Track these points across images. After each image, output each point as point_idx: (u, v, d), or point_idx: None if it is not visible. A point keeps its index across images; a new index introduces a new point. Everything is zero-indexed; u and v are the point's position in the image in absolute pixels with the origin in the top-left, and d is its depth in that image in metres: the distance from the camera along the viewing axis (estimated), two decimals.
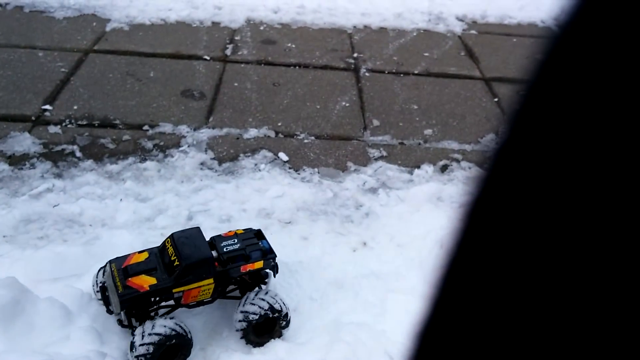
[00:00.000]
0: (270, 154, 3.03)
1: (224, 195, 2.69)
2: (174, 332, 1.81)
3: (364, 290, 2.23)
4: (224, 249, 1.96)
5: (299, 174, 2.92)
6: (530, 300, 0.26)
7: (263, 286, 2.09)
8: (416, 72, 4.03)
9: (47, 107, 3.24)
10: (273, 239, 2.12)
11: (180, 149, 3.01)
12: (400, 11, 4.86)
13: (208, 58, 3.93)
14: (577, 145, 0.24)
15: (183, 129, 3.17)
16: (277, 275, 2.09)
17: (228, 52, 4.06)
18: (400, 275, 2.31)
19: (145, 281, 1.83)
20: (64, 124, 3.12)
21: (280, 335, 2.01)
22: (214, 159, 2.97)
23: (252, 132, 3.21)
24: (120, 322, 1.89)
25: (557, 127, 0.24)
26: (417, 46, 4.40)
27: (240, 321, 1.94)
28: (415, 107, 3.62)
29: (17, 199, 2.57)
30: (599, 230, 0.24)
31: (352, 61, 4.10)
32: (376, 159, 3.09)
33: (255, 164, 2.95)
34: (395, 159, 3.11)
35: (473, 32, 4.73)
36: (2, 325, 1.79)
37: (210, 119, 3.30)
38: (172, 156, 2.94)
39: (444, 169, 3.08)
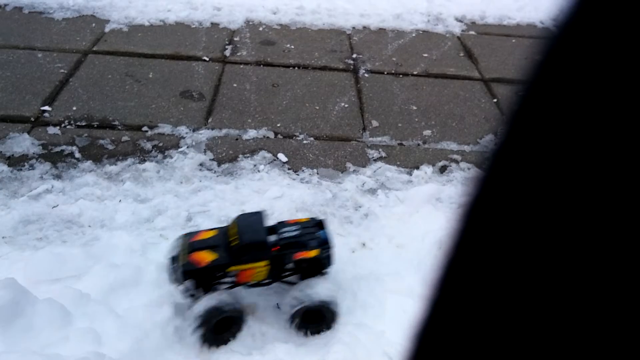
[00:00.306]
0: (269, 155, 3.03)
1: (223, 196, 2.69)
2: (236, 305, 1.94)
3: (363, 291, 2.22)
4: (282, 235, 2.05)
5: (298, 174, 2.92)
6: (528, 301, 0.26)
7: (321, 276, 2.11)
8: (415, 72, 4.03)
9: (46, 108, 3.24)
10: None
11: (180, 149, 3.01)
12: (399, 12, 4.86)
13: (207, 59, 3.93)
14: (576, 146, 0.24)
15: (182, 129, 3.17)
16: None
17: (227, 53, 4.06)
18: (399, 276, 2.31)
19: (206, 257, 1.95)
20: (63, 125, 3.12)
21: (328, 328, 2.05)
22: (213, 159, 2.97)
23: (251, 133, 3.21)
24: (185, 290, 1.95)
25: (556, 128, 0.24)
26: (416, 47, 4.40)
27: (290, 306, 2.01)
28: (414, 107, 3.62)
29: (16, 200, 2.57)
30: (597, 231, 0.24)
31: (351, 62, 4.10)
32: (375, 160, 3.09)
33: (255, 165, 2.94)
34: (395, 160, 3.11)
35: (472, 32, 4.74)
36: (1, 326, 1.79)
37: (210, 120, 3.30)
38: (171, 157, 2.94)
39: (443, 169, 3.08)
